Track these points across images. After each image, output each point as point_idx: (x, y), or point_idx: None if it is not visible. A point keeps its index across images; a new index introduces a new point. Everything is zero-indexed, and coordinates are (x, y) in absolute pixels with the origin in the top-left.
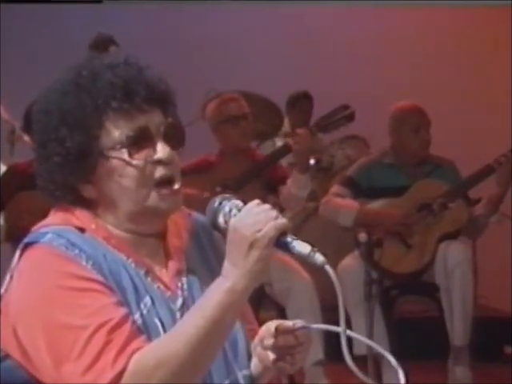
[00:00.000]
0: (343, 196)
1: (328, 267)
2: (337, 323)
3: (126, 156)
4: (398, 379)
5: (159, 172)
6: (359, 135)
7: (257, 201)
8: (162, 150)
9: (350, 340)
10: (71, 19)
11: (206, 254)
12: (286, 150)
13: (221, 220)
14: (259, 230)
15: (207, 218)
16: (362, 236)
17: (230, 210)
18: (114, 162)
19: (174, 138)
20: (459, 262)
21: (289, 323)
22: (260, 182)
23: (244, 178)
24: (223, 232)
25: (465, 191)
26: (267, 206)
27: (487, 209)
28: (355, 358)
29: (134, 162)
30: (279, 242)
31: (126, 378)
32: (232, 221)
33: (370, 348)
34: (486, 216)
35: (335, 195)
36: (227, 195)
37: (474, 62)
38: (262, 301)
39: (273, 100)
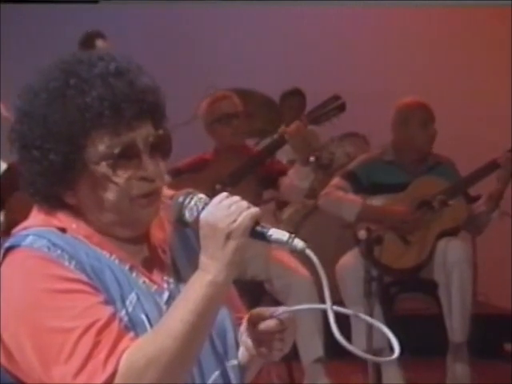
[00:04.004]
0: (344, 189)
1: (309, 251)
2: (338, 318)
3: (109, 172)
4: (397, 379)
5: (142, 188)
6: (359, 133)
7: (225, 194)
8: (147, 167)
9: (349, 340)
10: (68, 19)
11: (191, 244)
12: (279, 142)
13: (187, 215)
14: (234, 221)
15: (172, 214)
16: (362, 233)
17: (196, 205)
18: (98, 175)
19: (163, 148)
20: (459, 258)
21: (265, 309)
22: (256, 177)
23: (240, 172)
24: (190, 227)
25: (465, 188)
26: (237, 198)
27: (488, 205)
28: (355, 358)
29: (117, 179)
30: (255, 231)
31: (117, 379)
32: (203, 215)
33: (369, 348)
34: (487, 213)
35: (336, 188)
36: (190, 190)
37: (473, 62)
38: (262, 298)
39: (272, 98)
